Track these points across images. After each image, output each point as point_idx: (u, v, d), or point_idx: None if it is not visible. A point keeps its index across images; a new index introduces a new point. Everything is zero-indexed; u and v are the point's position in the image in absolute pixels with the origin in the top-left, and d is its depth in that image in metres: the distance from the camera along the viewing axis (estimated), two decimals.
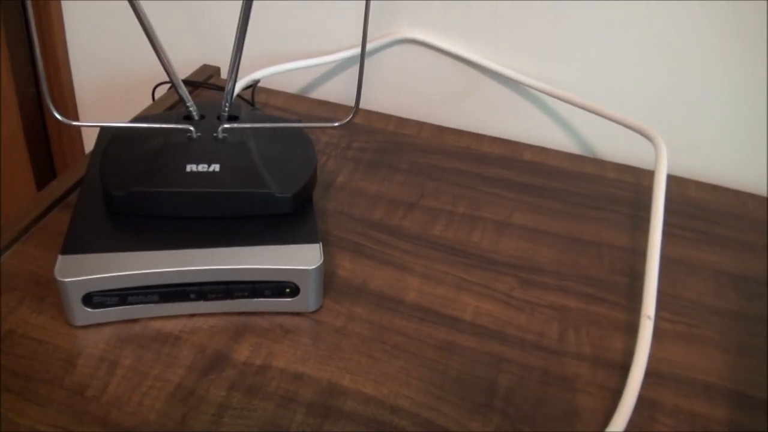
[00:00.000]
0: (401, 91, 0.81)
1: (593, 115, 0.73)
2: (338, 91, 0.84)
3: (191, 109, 0.56)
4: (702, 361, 0.52)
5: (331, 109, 0.77)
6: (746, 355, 0.53)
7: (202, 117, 0.56)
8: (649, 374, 0.50)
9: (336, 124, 0.55)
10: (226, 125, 0.55)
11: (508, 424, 0.45)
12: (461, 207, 0.64)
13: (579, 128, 0.77)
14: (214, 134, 0.54)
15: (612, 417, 0.45)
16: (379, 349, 0.49)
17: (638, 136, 0.71)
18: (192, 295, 0.50)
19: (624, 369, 0.49)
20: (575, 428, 0.45)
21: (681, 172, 0.75)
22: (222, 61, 0.86)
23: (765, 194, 0.72)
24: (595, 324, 0.53)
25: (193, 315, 0.51)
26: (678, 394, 0.49)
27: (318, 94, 0.84)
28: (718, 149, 0.74)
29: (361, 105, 0.82)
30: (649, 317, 0.50)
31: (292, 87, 0.84)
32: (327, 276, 0.54)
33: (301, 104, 0.78)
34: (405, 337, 0.50)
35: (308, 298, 0.51)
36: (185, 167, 0.52)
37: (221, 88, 0.77)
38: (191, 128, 0.54)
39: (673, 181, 0.71)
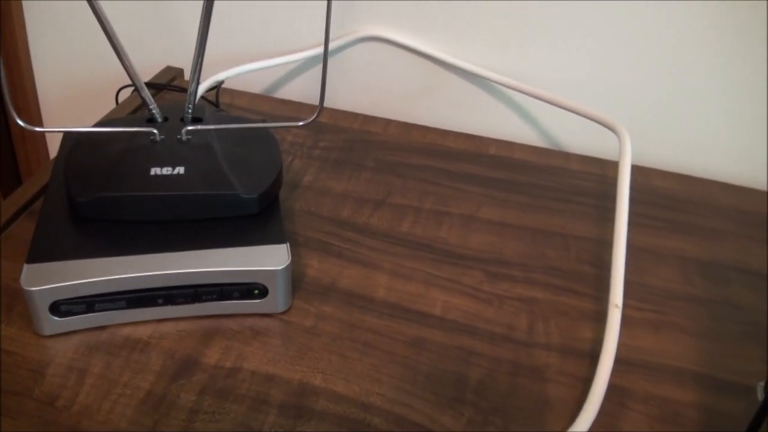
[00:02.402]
0: (367, 89, 0.81)
1: (557, 109, 0.74)
2: (303, 90, 0.83)
3: (154, 111, 0.55)
4: (671, 347, 0.52)
5: (297, 108, 0.77)
6: (714, 339, 0.54)
7: (165, 119, 0.56)
8: (619, 362, 0.50)
9: (300, 123, 0.54)
10: (190, 127, 0.54)
11: (479, 416, 0.45)
12: (428, 203, 0.64)
13: (544, 121, 0.78)
14: (178, 136, 0.54)
15: (583, 405, 0.46)
16: (350, 348, 0.49)
17: (602, 128, 0.71)
18: (160, 300, 0.49)
19: (593, 358, 0.50)
20: (547, 418, 0.46)
21: (646, 162, 0.76)
22: (186, 62, 0.85)
23: (729, 181, 0.73)
24: (564, 314, 0.54)
25: (161, 320, 0.50)
26: (648, 380, 0.50)
27: (283, 93, 0.84)
28: (683, 138, 0.75)
29: (327, 104, 0.82)
30: (616, 306, 0.51)
31: (256, 87, 0.84)
32: (295, 276, 0.54)
33: (266, 104, 0.78)
34: (375, 335, 0.50)
35: (277, 299, 0.51)
36: (149, 171, 0.52)
37: (185, 90, 0.77)
38: (154, 131, 0.54)
39: (637, 171, 0.72)
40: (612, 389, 0.48)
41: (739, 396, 0.49)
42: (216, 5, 0.78)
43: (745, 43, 0.68)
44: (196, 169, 0.53)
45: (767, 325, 0.55)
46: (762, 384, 0.39)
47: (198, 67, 0.53)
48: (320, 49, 0.79)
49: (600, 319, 0.53)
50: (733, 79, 0.71)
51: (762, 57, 0.69)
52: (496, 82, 0.75)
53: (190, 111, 0.56)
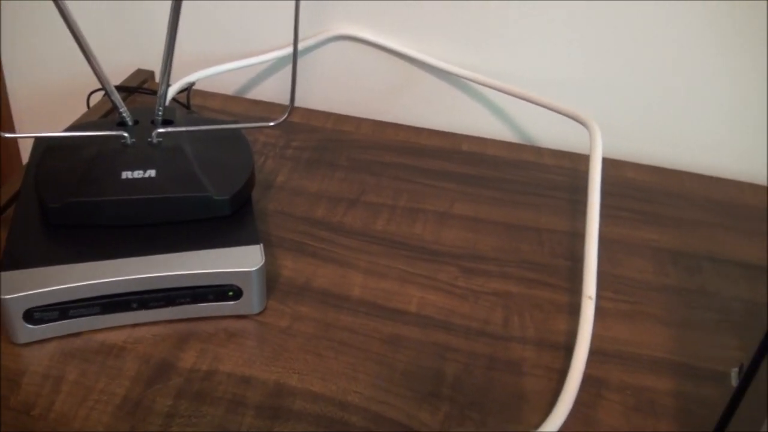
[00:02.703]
0: (339, 88, 0.81)
1: (529, 104, 0.74)
2: (276, 90, 0.83)
3: (124, 115, 0.55)
4: (646, 337, 0.53)
5: (269, 108, 0.77)
6: (689, 327, 0.54)
7: (136, 122, 0.56)
8: (594, 353, 0.51)
9: (271, 123, 0.54)
10: (161, 129, 0.54)
11: (456, 411, 0.45)
12: (402, 200, 0.64)
13: (515, 117, 0.78)
14: (149, 139, 0.54)
15: (559, 397, 0.46)
16: (326, 347, 0.49)
17: (574, 122, 0.72)
18: (134, 305, 0.49)
19: (569, 350, 0.50)
20: (523, 411, 0.46)
21: (618, 155, 0.76)
22: (157, 65, 0.84)
23: (701, 172, 0.74)
24: (538, 308, 0.54)
25: (136, 325, 0.50)
26: (623, 370, 0.50)
27: (255, 94, 0.84)
28: (654, 131, 0.76)
29: (299, 103, 0.81)
30: (590, 297, 0.51)
31: (228, 88, 0.83)
32: (270, 277, 0.54)
33: (238, 105, 0.77)
34: (351, 333, 0.50)
35: (252, 300, 0.50)
36: (121, 174, 0.52)
37: (156, 93, 0.76)
38: (125, 134, 0.53)
39: (610, 164, 0.72)
40: (588, 380, 0.48)
41: (713, 382, 0.50)
42: (186, 6, 0.78)
43: (714, 35, 0.69)
44: (167, 172, 0.52)
45: (741, 313, 0.56)
46: (735, 370, 0.39)
47: (167, 68, 0.53)
48: (291, 49, 0.78)
49: (574, 311, 0.54)
50: (703, 71, 0.71)
51: (731, 48, 0.69)
52: (467, 79, 0.75)
53: (160, 113, 0.55)
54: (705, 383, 0.50)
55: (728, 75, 0.71)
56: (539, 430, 0.43)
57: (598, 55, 0.72)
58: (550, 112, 0.73)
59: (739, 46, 0.69)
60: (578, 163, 0.72)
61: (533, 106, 0.75)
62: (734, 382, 0.38)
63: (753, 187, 0.72)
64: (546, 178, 0.69)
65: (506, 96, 0.76)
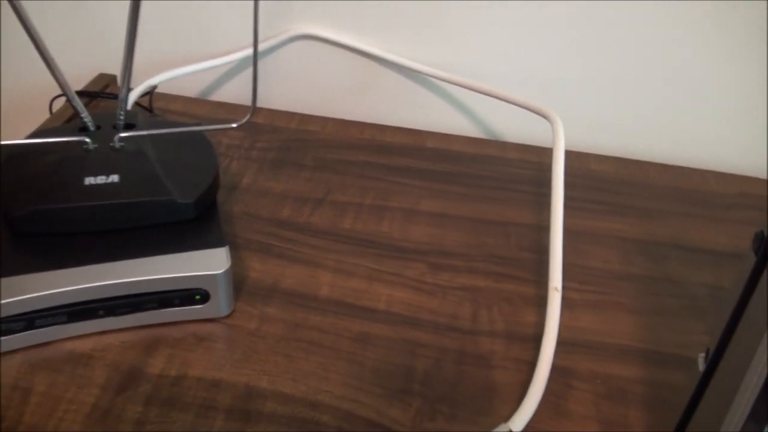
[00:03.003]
0: (302, 88, 0.81)
1: (492, 99, 0.74)
2: (239, 91, 0.83)
3: (86, 120, 0.55)
4: (613, 326, 0.53)
5: (233, 110, 0.77)
6: (656, 315, 0.55)
7: (98, 127, 0.55)
8: (563, 343, 0.51)
9: (234, 125, 0.54)
10: (123, 134, 0.54)
11: (427, 406, 0.46)
12: (369, 198, 0.64)
13: (479, 113, 0.78)
14: (111, 144, 0.53)
15: (528, 388, 0.46)
16: (295, 347, 0.49)
17: (537, 116, 0.72)
18: (101, 312, 0.49)
19: (537, 341, 0.51)
20: (494, 403, 0.46)
21: (582, 147, 0.77)
22: (119, 68, 0.83)
23: (665, 162, 0.75)
24: (506, 301, 0.54)
25: (104, 332, 0.49)
26: (592, 359, 0.50)
27: (218, 96, 0.83)
28: (617, 122, 0.76)
29: (263, 104, 0.81)
30: (556, 289, 0.52)
31: (191, 91, 0.83)
32: (237, 279, 0.54)
33: (201, 108, 0.77)
34: (320, 333, 0.50)
35: (219, 304, 0.50)
36: (83, 181, 0.51)
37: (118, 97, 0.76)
38: (87, 140, 0.53)
39: (574, 156, 0.73)
40: (557, 370, 0.49)
41: (682, 368, 0.50)
42: (146, 8, 0.77)
43: (671, 26, 0.70)
44: (130, 177, 0.52)
45: (707, 298, 0.57)
46: (702, 355, 0.39)
47: (127, 72, 0.53)
48: (252, 50, 0.78)
49: (542, 303, 0.54)
50: (664, 62, 0.72)
51: (689, 38, 0.70)
52: (430, 76, 0.75)
53: (121, 117, 0.55)
54: (673, 369, 0.50)
55: (689, 65, 0.72)
56: (510, 421, 0.44)
57: (559, 48, 0.73)
58: (514, 106, 0.73)
59: (696, 36, 0.70)
60: (542, 156, 0.72)
61: (497, 101, 0.75)
62: (701, 366, 0.39)
63: (716, 175, 0.73)
64: (511, 172, 0.69)
65: (470, 92, 0.77)
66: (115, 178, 0.52)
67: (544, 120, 0.68)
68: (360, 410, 0.45)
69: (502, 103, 0.74)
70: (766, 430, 0.35)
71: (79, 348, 0.48)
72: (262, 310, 0.52)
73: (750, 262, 0.35)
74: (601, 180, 0.70)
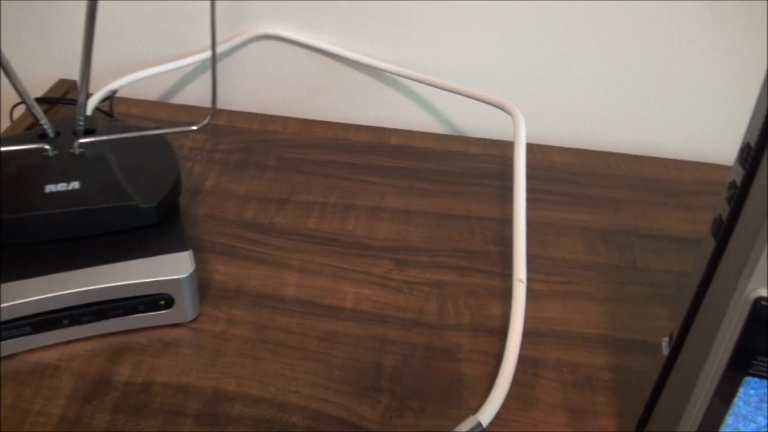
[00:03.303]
0: (264, 88, 0.80)
1: (454, 95, 0.75)
2: (200, 93, 0.82)
3: (45, 127, 0.54)
4: (579, 315, 0.54)
5: (195, 113, 0.76)
6: (620, 302, 0.55)
7: (58, 134, 0.55)
8: (529, 334, 0.51)
9: (194, 127, 0.54)
10: (82, 140, 0.53)
11: (396, 402, 0.46)
12: (333, 197, 0.64)
13: (442, 108, 0.79)
14: (71, 150, 0.53)
15: (496, 379, 0.46)
16: (262, 349, 0.49)
17: (499, 111, 0.72)
18: (65, 321, 0.48)
19: (504, 333, 0.51)
20: (462, 396, 0.47)
21: (544, 140, 0.77)
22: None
23: (625, 151, 0.75)
24: (472, 294, 0.55)
25: (69, 342, 0.49)
26: (559, 348, 0.51)
27: (180, 98, 0.83)
28: (578, 114, 0.77)
29: (225, 106, 0.81)
30: (520, 281, 0.52)
31: (152, 94, 0.82)
32: (202, 282, 0.53)
33: (162, 111, 0.76)
34: (287, 333, 0.50)
35: (184, 308, 0.50)
36: (44, 188, 0.51)
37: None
38: (47, 147, 0.52)
39: (536, 149, 0.73)
40: (524, 361, 0.49)
41: (647, 353, 0.51)
42: (105, 12, 0.77)
43: (628, 16, 0.70)
44: (91, 183, 0.52)
45: (671, 284, 0.57)
46: (666, 339, 0.40)
47: (86, 77, 0.52)
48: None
49: (507, 295, 0.54)
50: (620, 52, 0.73)
51: (646, 30, 0.71)
52: (392, 73, 0.75)
53: (81, 123, 0.54)
54: (639, 355, 0.51)
55: (645, 55, 0.73)
56: (478, 413, 0.44)
57: (519, 43, 0.73)
58: (475, 101, 0.73)
59: (651, 26, 0.71)
60: (505, 150, 0.73)
61: (459, 96, 0.75)
62: (665, 351, 0.39)
63: (677, 163, 0.74)
64: (474, 167, 0.70)
65: (432, 88, 0.77)
66: (75, 184, 0.51)
67: (506, 114, 0.68)
68: (329, 409, 0.45)
69: (464, 98, 0.74)
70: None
71: (44, 359, 0.48)
72: (228, 313, 0.52)
73: (709, 246, 0.35)
74: (563, 171, 0.70)
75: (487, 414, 0.44)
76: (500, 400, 0.45)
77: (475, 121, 0.79)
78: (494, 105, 0.68)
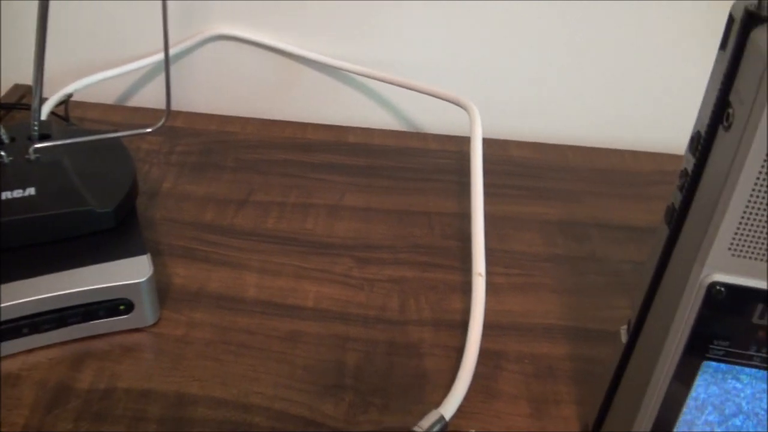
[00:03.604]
0: (221, 89, 0.80)
1: (412, 92, 0.75)
2: (157, 95, 0.81)
3: None
4: (539, 307, 0.54)
5: (151, 115, 0.75)
6: (580, 293, 0.56)
7: (12, 140, 0.54)
8: (490, 327, 0.52)
9: (149, 129, 0.53)
10: (37, 145, 0.52)
11: (359, 399, 0.46)
12: (292, 197, 0.64)
13: (399, 106, 0.79)
14: (26, 156, 0.52)
15: (457, 373, 0.47)
16: (224, 351, 0.49)
17: (456, 107, 0.73)
18: (25, 330, 0.47)
19: (465, 327, 0.51)
20: (425, 390, 0.47)
21: (502, 135, 0.78)
22: None
23: (581, 144, 0.76)
24: (433, 289, 0.55)
25: (30, 350, 0.48)
26: (520, 340, 0.51)
27: (137, 101, 0.82)
28: (535, 108, 0.78)
29: (182, 107, 0.80)
30: (480, 274, 0.52)
31: (108, 97, 0.81)
32: (161, 286, 0.53)
33: (118, 114, 0.76)
34: (249, 334, 0.50)
35: (144, 312, 0.49)
36: None
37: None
38: (1, 153, 0.52)
39: (494, 144, 0.74)
40: (485, 354, 0.49)
41: (606, 342, 0.52)
42: (59, 15, 0.76)
43: (581, 9, 0.71)
44: (47, 189, 0.51)
45: (629, 274, 0.58)
46: (624, 327, 0.41)
47: (39, 81, 0.52)
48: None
49: (468, 289, 0.55)
50: (574, 45, 0.73)
51: (599, 22, 0.72)
52: (348, 71, 0.75)
53: (36, 128, 0.54)
54: (599, 343, 0.52)
55: (599, 47, 0.74)
56: (441, 407, 0.44)
57: (473, 39, 0.74)
58: (432, 98, 0.74)
59: (604, 18, 0.72)
60: (463, 145, 0.73)
61: (416, 93, 0.76)
62: (624, 339, 0.40)
63: (633, 154, 0.75)
64: (433, 163, 0.70)
65: (389, 85, 0.77)
66: (31, 190, 0.51)
67: (461, 109, 0.68)
68: (292, 409, 0.45)
69: (421, 95, 0.74)
70: None
71: (5, 368, 0.47)
72: (189, 316, 0.51)
73: (663, 234, 0.36)
74: (521, 165, 0.71)
75: (449, 407, 0.44)
76: (462, 393, 0.45)
77: (433, 118, 0.79)
78: (450, 101, 0.69)
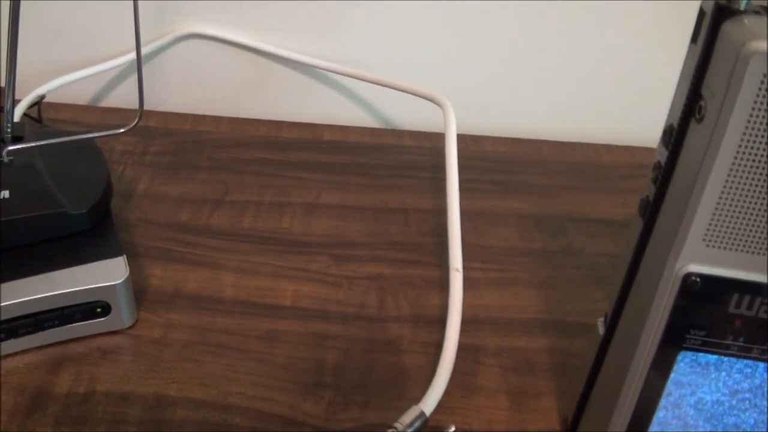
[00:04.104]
0: (194, 88, 0.79)
1: (386, 89, 0.75)
2: (130, 95, 0.81)
3: None
4: (517, 301, 0.55)
5: (125, 115, 0.75)
6: (557, 286, 0.57)
7: None
8: (469, 322, 0.52)
9: (122, 130, 0.53)
10: (10, 147, 0.52)
11: (340, 396, 0.46)
12: (268, 196, 0.64)
13: (374, 103, 0.79)
14: None
15: (437, 369, 0.47)
16: (203, 351, 0.48)
17: (430, 103, 0.73)
18: (1, 335, 0.47)
19: (443, 323, 0.51)
20: (406, 386, 0.47)
21: (476, 130, 0.78)
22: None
23: (558, 139, 0.77)
24: (411, 286, 0.55)
25: (6, 356, 0.48)
26: (498, 335, 0.52)
27: (110, 101, 0.81)
28: (509, 102, 0.78)
29: (155, 107, 0.79)
30: (457, 270, 0.52)
31: (82, 98, 0.80)
32: (138, 287, 0.53)
33: (92, 115, 0.75)
34: (227, 335, 0.50)
35: (121, 314, 0.49)
36: None
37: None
38: None
39: (469, 139, 0.74)
40: (464, 349, 0.50)
41: (584, 334, 0.52)
42: (31, 16, 0.75)
43: (555, 3, 0.72)
44: (20, 191, 0.50)
45: (605, 267, 0.59)
46: (601, 319, 0.41)
47: (11, 82, 0.51)
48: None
49: (445, 285, 0.54)
50: (548, 39, 0.74)
51: (571, 15, 0.72)
52: (321, 69, 0.75)
53: (8, 130, 0.53)
54: (576, 336, 0.52)
55: (573, 41, 0.74)
56: (421, 402, 0.44)
57: (447, 34, 0.74)
58: (407, 95, 0.74)
59: (577, 11, 0.72)
60: (438, 141, 0.73)
61: (390, 91, 0.76)
62: (601, 330, 0.40)
63: (608, 148, 0.75)
64: (408, 160, 0.70)
65: (364, 83, 0.77)
66: (5, 194, 0.50)
67: (437, 106, 0.69)
68: (273, 408, 0.45)
69: (395, 92, 0.75)
70: None
71: None
72: (166, 317, 0.51)
73: (638, 226, 0.36)
74: (496, 160, 0.71)
75: (429, 403, 0.44)
76: (442, 388, 0.46)
77: (408, 115, 0.79)
78: (424, 97, 0.69)
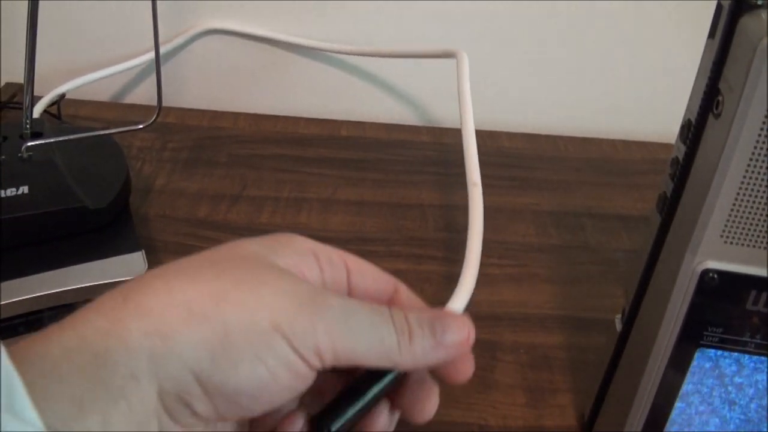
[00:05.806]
0: (213, 84, 0.80)
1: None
2: (150, 93, 0.81)
3: None
4: (533, 297, 0.55)
5: (144, 112, 0.75)
6: (574, 283, 0.56)
7: (5, 138, 0.54)
8: (486, 318, 0.52)
9: (140, 126, 0.53)
10: (30, 143, 0.52)
11: None
12: (285, 191, 0.64)
13: (391, 99, 0.79)
14: (19, 155, 0.52)
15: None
16: None
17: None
18: (21, 329, 0.47)
19: None
20: None
21: (493, 126, 0.77)
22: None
23: (573, 134, 0.76)
24: (428, 281, 0.55)
25: None
26: (515, 331, 0.52)
27: (130, 98, 0.81)
28: (527, 98, 0.78)
29: (174, 103, 0.79)
30: (475, 184, 0.51)
31: (102, 95, 0.81)
32: None
33: (111, 111, 0.75)
34: None
35: None
36: None
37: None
38: None
39: (486, 135, 0.74)
40: (481, 344, 0.49)
41: (601, 331, 0.51)
42: (50, 15, 0.75)
43: (573, 2, 0.71)
44: (40, 187, 0.51)
45: (623, 262, 0.58)
46: (619, 316, 0.41)
47: (30, 78, 0.51)
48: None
49: None
50: (567, 35, 0.74)
51: (591, 13, 0.72)
52: (340, 53, 0.75)
53: (27, 126, 0.54)
54: (594, 332, 0.52)
55: (591, 38, 0.74)
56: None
57: (466, 27, 0.74)
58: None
59: (596, 9, 0.72)
60: (453, 137, 0.73)
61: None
62: (618, 327, 0.40)
63: (625, 144, 0.75)
64: (424, 155, 0.70)
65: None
66: (24, 189, 0.50)
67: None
68: None
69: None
70: None
71: None
72: None
73: (655, 222, 0.36)
74: (513, 156, 0.71)
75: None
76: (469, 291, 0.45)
77: (424, 111, 0.79)
78: (438, 55, 0.66)
